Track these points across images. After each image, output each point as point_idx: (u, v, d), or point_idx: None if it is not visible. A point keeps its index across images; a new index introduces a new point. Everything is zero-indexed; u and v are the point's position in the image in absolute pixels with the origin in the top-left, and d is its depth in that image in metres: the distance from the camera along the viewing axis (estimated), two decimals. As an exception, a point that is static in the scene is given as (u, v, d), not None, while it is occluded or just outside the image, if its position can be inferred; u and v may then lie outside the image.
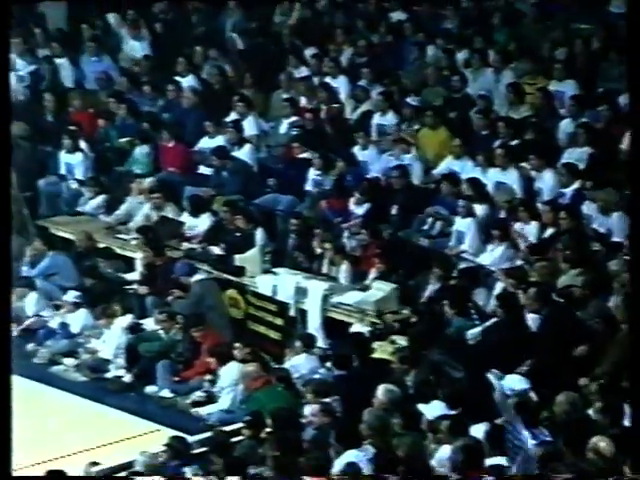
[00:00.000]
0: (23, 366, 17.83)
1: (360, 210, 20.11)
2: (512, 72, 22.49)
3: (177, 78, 24.59)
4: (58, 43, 26.18)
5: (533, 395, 14.41)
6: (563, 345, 15.84)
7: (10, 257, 6.99)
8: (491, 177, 19.86)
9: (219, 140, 22.56)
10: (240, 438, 15.11)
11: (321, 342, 18.26)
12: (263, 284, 19.26)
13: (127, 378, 18.77)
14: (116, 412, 18.04)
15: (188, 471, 14.23)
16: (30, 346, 19.68)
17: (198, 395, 18.01)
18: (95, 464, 14.60)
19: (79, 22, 26.97)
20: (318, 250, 19.69)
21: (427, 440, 13.51)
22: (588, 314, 16.19)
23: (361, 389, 15.13)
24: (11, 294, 7.75)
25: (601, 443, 11.71)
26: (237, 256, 19.86)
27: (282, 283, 19.12)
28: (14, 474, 11.42)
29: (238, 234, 20.31)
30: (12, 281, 6.85)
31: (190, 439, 15.37)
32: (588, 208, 18.55)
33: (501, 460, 11.65)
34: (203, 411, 17.65)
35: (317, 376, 17.13)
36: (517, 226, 18.59)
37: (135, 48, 26.21)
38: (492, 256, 18.42)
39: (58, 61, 25.75)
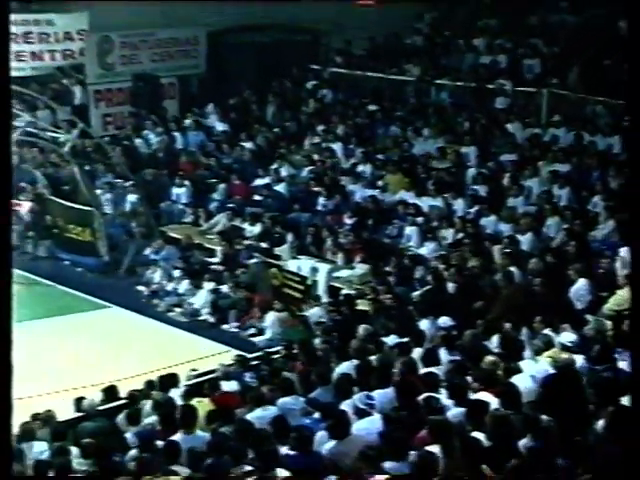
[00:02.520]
0: (151, 313, 21.33)
1: (350, 221, 21.89)
2: (442, 139, 23.89)
3: (242, 143, 26.45)
4: (177, 123, 28.31)
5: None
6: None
7: (10, 257, 5.79)
8: (426, 202, 21.51)
9: (266, 180, 24.50)
10: (277, 356, 16.58)
11: (325, 300, 19.76)
12: (292, 265, 20.85)
13: (211, 320, 20.93)
14: (205, 340, 20.00)
15: (247, 376, 14.96)
16: (155, 301, 21.75)
17: (252, 331, 20.12)
18: (194, 370, 15.83)
19: (186, 111, 28.82)
20: (326, 245, 21.36)
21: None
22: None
23: (350, 327, 16.38)
24: (11, 290, 5.64)
25: None
26: (276, 248, 21.60)
27: (303, 265, 20.71)
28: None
29: (277, 235, 21.99)
30: (11, 281, 5.91)
31: (248, 356, 16.94)
32: (485, 220, 20.13)
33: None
34: (255, 340, 19.71)
35: (323, 320, 18.60)
36: (442, 232, 20.28)
37: (218, 126, 27.95)
38: (427, 249, 20.13)
39: (174, 133, 27.82)
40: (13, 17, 27.88)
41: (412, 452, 10.01)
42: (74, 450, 12.05)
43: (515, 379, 11.88)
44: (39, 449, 12.45)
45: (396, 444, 10.25)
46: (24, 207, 25.46)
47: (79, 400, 14.49)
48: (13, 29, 28.37)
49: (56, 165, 26.12)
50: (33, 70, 29.49)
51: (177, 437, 11.80)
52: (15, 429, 12.82)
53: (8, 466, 5.68)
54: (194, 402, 13.25)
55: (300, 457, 10.61)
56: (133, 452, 11.75)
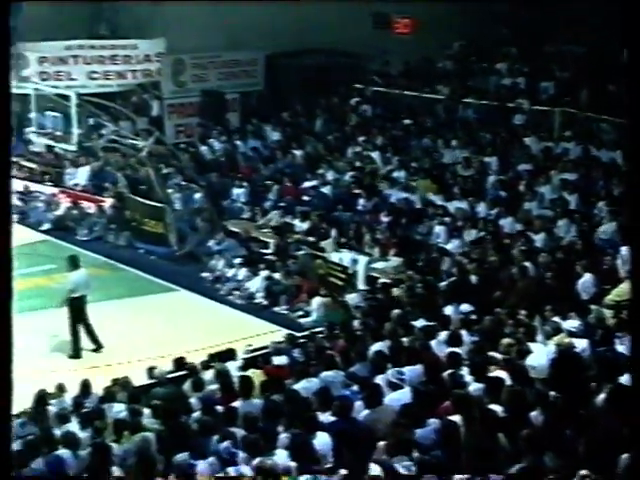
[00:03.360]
0: (213, 296, 21.31)
1: (386, 220, 21.69)
2: (467, 150, 23.76)
3: (293, 150, 26.41)
4: (238, 133, 28.47)
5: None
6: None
7: (10, 256, 5.29)
8: (452, 204, 21.35)
9: (314, 182, 24.50)
10: (321, 335, 16.37)
11: (363, 287, 19.65)
12: (335, 257, 20.68)
13: (265, 302, 20.76)
14: (259, 320, 19.93)
15: (296, 352, 14.96)
16: (217, 285, 21.71)
17: (300, 313, 20.08)
18: (249, 345, 15.91)
19: (246, 123, 28.91)
20: (365, 240, 21.12)
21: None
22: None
23: (385, 311, 15.98)
24: (12, 287, 5.14)
25: None
26: (322, 242, 21.46)
27: (344, 257, 20.52)
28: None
29: (322, 231, 21.92)
30: (12, 279, 5.37)
31: (296, 334, 17.20)
32: (504, 221, 19.96)
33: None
34: (303, 321, 19.63)
35: (361, 305, 18.47)
36: (466, 230, 20.15)
37: (273, 135, 27.98)
38: (452, 245, 19.91)
39: (235, 142, 27.96)
40: (103, 42, 28.35)
41: (436, 420, 9.99)
42: (146, 411, 12.17)
43: (528, 359, 11.81)
44: (118, 409, 12.54)
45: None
46: (107, 203, 25.72)
47: (151, 369, 14.67)
48: (103, 52, 28.78)
49: (135, 168, 26.30)
50: (118, 87, 29.98)
51: (235, 403, 11.85)
52: (100, 392, 13.41)
53: (8, 466, 5.32)
54: (249, 373, 13.26)
55: (340, 422, 10.63)
56: (196, 414, 11.82)
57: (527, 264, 17.34)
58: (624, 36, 5.57)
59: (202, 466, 10.01)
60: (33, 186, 27.42)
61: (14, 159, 28.28)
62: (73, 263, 18.81)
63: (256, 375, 13.15)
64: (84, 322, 18.36)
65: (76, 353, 18.16)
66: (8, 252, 5.32)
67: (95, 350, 18.31)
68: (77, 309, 18.30)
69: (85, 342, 18.36)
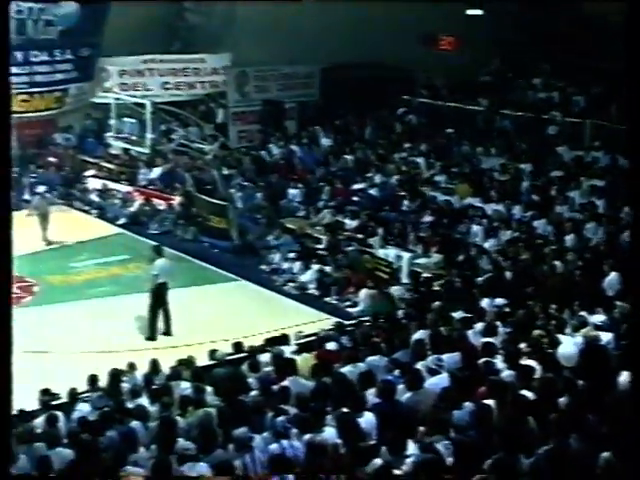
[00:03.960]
0: (270, 286, 21.36)
1: (428, 220, 21.68)
2: (504, 157, 23.90)
3: (345, 155, 26.47)
4: (295, 139, 28.61)
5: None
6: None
7: (10, 256, 4.81)
8: (489, 206, 21.47)
9: (363, 185, 24.56)
10: (368, 324, 16.35)
11: (406, 281, 19.73)
12: (381, 253, 20.73)
13: (317, 293, 20.78)
14: (311, 309, 19.89)
15: (344, 338, 14.71)
16: (274, 277, 21.71)
17: (348, 303, 20.04)
18: (300, 332, 15.74)
19: (303, 130, 29.19)
20: (409, 238, 21.12)
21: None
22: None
23: (426, 303, 16.07)
24: (11, 284, 5.01)
25: None
26: (370, 239, 21.38)
27: (390, 253, 20.59)
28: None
29: (370, 228, 21.79)
30: (11, 278, 4.90)
31: (345, 323, 16.92)
32: (536, 223, 20.06)
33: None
34: (351, 310, 19.53)
35: (404, 297, 18.77)
36: (502, 231, 20.19)
37: (327, 142, 27.86)
38: (489, 244, 19.87)
39: (292, 147, 27.99)
40: (175, 57, 28.61)
41: (471, 404, 9.92)
42: (209, 389, 12.22)
43: (558, 350, 11.71)
44: (183, 387, 12.58)
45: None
46: (176, 201, 25.91)
47: (213, 351, 14.77)
48: (175, 66, 29.08)
49: (201, 169, 26.45)
50: (188, 96, 30.23)
51: (285, 382, 11.88)
52: (167, 370, 13.46)
53: (8, 466, 5.09)
54: (302, 357, 13.30)
55: (384, 404, 10.58)
56: (254, 393, 11.87)
57: (557, 263, 17.28)
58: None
59: (258, 439, 10.00)
60: (111, 184, 27.68)
61: (94, 160, 28.62)
62: (158, 252, 18.96)
63: (307, 359, 13.13)
64: (164, 307, 18.48)
65: (152, 335, 18.29)
66: (8, 252, 4.94)
67: (164, 334, 18.42)
68: (159, 294, 18.41)
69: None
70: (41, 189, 24.25)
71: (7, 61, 4.82)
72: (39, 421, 11.62)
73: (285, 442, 9.89)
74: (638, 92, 5.49)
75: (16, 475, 8.29)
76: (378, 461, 8.76)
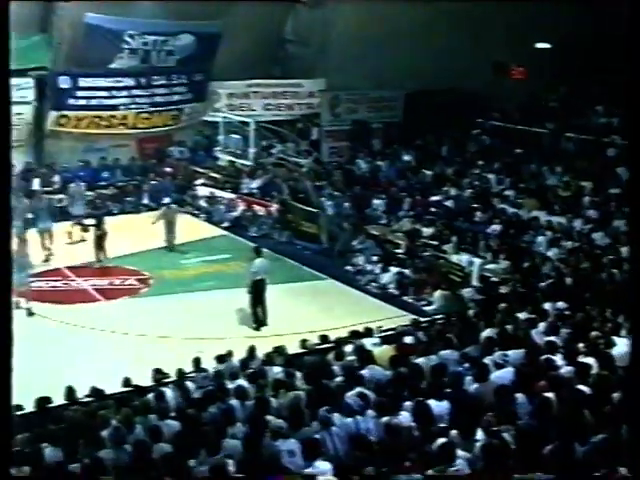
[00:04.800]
0: (354, 285, 21.22)
1: (497, 229, 21.34)
2: (567, 175, 23.34)
3: (424, 170, 26.35)
4: (380, 155, 28.49)
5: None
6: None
7: (10, 256, 4.42)
8: (553, 219, 21.05)
9: (439, 197, 24.23)
10: (441, 321, 16.18)
11: (476, 284, 19.29)
12: (454, 258, 20.42)
13: (396, 293, 20.51)
14: (391, 307, 19.61)
15: (420, 334, 14.38)
16: (358, 277, 21.53)
17: (424, 302, 19.78)
18: (381, 327, 15.32)
19: (387, 147, 29.18)
20: (479, 245, 20.71)
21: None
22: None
23: (494, 304, 15.44)
24: (11, 287, 4.60)
25: None
26: (444, 245, 21.07)
27: (463, 258, 20.31)
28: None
29: (445, 236, 21.45)
30: (11, 278, 4.46)
31: (421, 319, 16.74)
32: (595, 235, 19.64)
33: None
34: (426, 309, 19.30)
35: (475, 298, 18.34)
36: (564, 241, 19.75)
37: (408, 158, 27.76)
38: (552, 253, 19.37)
39: (378, 162, 27.99)
40: (277, 82, 29.00)
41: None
42: (298, 374, 12.19)
43: (613, 350, 11.57)
44: (276, 371, 12.61)
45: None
46: (274, 208, 26.04)
47: (304, 341, 14.69)
48: (276, 89, 29.47)
49: (296, 180, 26.53)
50: (287, 116, 30.39)
51: (364, 371, 11.84)
52: (261, 356, 13.48)
53: (8, 466, 4.71)
54: (382, 349, 13.24)
55: (453, 393, 10.55)
56: (338, 379, 11.79)
57: (614, 271, 16.98)
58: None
59: (336, 417, 10.04)
60: (217, 192, 27.94)
61: (204, 171, 28.93)
62: (257, 252, 18.99)
63: (387, 351, 13.04)
64: (261, 301, 18.50)
65: (253, 325, 18.35)
66: (8, 252, 4.60)
67: (260, 324, 18.42)
68: (258, 290, 18.42)
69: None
70: (167, 200, 24.42)
71: (7, 61, 4.58)
72: (151, 396, 11.76)
73: (360, 418, 9.92)
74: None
75: (16, 475, 7.97)
76: (442, 440, 8.74)
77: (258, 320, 18.43)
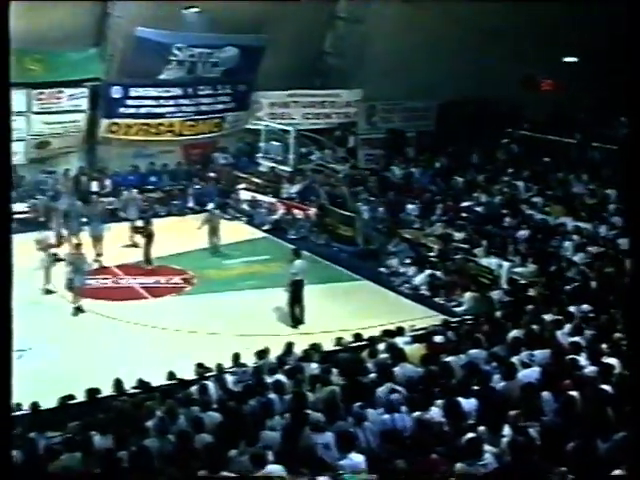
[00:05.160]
0: (388, 286, 21.10)
1: (525, 234, 21.11)
2: (592, 184, 23.37)
3: (455, 177, 26.48)
4: (413, 162, 28.61)
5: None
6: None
7: (10, 257, 4.17)
8: (579, 225, 20.86)
9: (470, 203, 24.08)
10: (471, 322, 15.92)
11: (505, 286, 19.05)
12: (484, 261, 20.18)
13: (428, 294, 20.34)
14: (422, 307, 19.47)
15: (450, 333, 14.16)
16: (392, 278, 21.38)
17: (454, 303, 19.55)
18: (413, 326, 15.15)
19: (420, 154, 29.49)
20: (508, 249, 20.36)
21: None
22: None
23: (521, 306, 15.64)
24: (11, 286, 4.25)
25: None
26: (475, 249, 20.86)
27: (492, 262, 20.02)
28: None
29: (475, 240, 21.23)
30: (12, 283, 4.17)
31: (451, 320, 16.63)
32: (620, 241, 18.99)
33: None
34: (456, 309, 19.07)
35: (503, 300, 18.17)
36: (589, 247, 19.66)
37: (440, 165, 28.05)
38: (578, 257, 19.30)
39: (411, 169, 27.90)
40: (315, 92, 29.24)
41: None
42: (334, 370, 12.17)
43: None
44: (313, 367, 12.62)
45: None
46: (312, 211, 26.06)
47: (339, 339, 14.72)
48: (315, 99, 29.60)
49: (334, 186, 26.55)
50: (325, 124, 30.42)
51: (397, 369, 11.82)
52: (298, 353, 13.47)
53: (8, 466, 4.53)
54: (414, 347, 13.18)
55: (482, 390, 10.51)
56: (372, 375, 11.80)
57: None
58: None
59: (371, 413, 10.02)
60: (258, 196, 28.00)
61: (246, 176, 29.04)
62: (296, 254, 19.05)
63: (418, 349, 13.00)
64: (299, 300, 18.52)
65: (292, 323, 18.36)
66: (8, 252, 4.43)
67: (298, 322, 18.45)
68: (296, 289, 18.46)
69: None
70: (211, 204, 24.53)
71: (7, 61, 4.30)
72: (194, 389, 11.82)
73: (397, 415, 9.89)
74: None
75: (16, 475, 7.95)
76: (471, 435, 8.71)
77: (296, 318, 18.46)
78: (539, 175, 25.19)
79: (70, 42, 25.20)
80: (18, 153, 26.23)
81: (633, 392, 5.58)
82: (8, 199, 4.38)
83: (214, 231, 23.59)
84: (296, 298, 18.50)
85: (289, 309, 18.53)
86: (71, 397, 11.74)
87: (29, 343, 16.57)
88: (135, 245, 23.26)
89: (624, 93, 5.19)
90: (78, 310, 18.58)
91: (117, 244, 23.21)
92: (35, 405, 11.42)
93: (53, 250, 20.63)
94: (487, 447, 8.45)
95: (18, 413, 11.09)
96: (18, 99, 25.12)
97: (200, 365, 13.14)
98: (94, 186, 27.78)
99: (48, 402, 11.55)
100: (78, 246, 19.68)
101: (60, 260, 19.98)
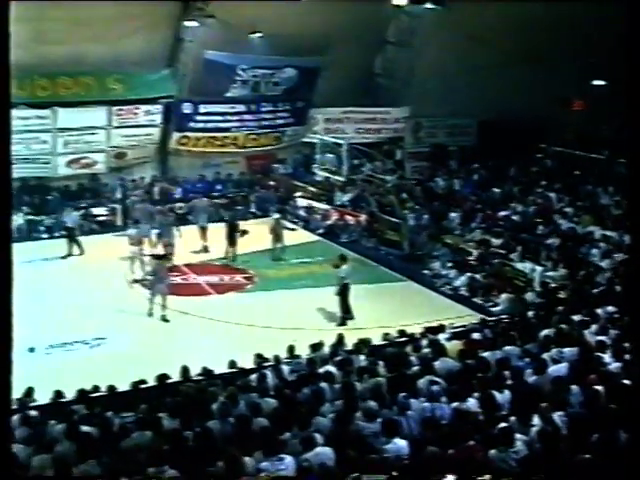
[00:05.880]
0: (431, 287, 20.88)
1: (557, 242, 20.82)
2: (618, 196, 22.85)
3: (493, 189, 26.33)
4: (455, 174, 28.44)
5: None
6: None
7: (10, 256, 3.93)
8: (606, 234, 20.47)
9: (507, 212, 23.76)
10: (506, 321, 15.69)
11: (537, 289, 18.84)
12: (519, 265, 19.95)
13: (466, 294, 19.96)
14: (462, 307, 19.15)
15: (486, 331, 14.04)
16: (435, 279, 21.18)
17: (491, 304, 19.15)
18: (452, 324, 15.01)
19: (462, 166, 29.59)
20: (541, 255, 20.21)
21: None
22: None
23: (552, 307, 15.47)
24: (11, 293, 4.00)
25: None
26: (511, 254, 20.63)
27: (526, 266, 19.83)
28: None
29: (511, 246, 20.98)
30: (12, 285, 3.91)
31: (488, 319, 16.51)
32: None
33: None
34: (493, 309, 18.70)
35: (535, 301, 17.87)
36: (615, 254, 19.14)
37: (478, 177, 29.01)
38: (605, 263, 19.00)
39: (454, 180, 27.80)
40: (367, 109, 28.85)
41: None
42: (380, 363, 12.14)
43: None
44: (361, 359, 12.60)
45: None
46: (362, 218, 26.08)
47: (386, 334, 14.57)
48: (367, 116, 29.79)
49: (382, 195, 26.48)
50: (375, 139, 30.41)
51: (438, 363, 11.79)
52: (348, 346, 13.43)
53: (8, 465, 4.20)
54: (453, 343, 13.13)
55: (515, 385, 10.47)
56: (415, 368, 11.78)
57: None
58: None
59: (414, 402, 9.97)
60: (314, 203, 28.08)
61: (302, 185, 29.12)
62: (343, 259, 18.99)
63: (457, 344, 12.96)
64: (346, 300, 18.44)
65: (341, 321, 18.28)
66: (8, 252, 4.14)
67: (345, 319, 18.36)
68: (344, 291, 18.41)
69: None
70: (276, 215, 24.57)
71: (7, 61, 4.03)
72: (253, 377, 11.84)
73: (436, 405, 9.87)
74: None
75: (16, 475, 7.34)
76: (503, 424, 8.69)
77: (344, 316, 18.40)
78: (570, 187, 24.92)
79: (147, 64, 25.80)
80: (99, 163, 26.99)
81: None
82: (8, 200, 4.17)
83: (278, 238, 23.61)
84: (344, 299, 18.42)
85: (339, 308, 18.43)
86: (143, 382, 11.79)
87: (106, 332, 16.97)
88: (206, 250, 23.45)
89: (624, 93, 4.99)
90: (164, 319, 18.36)
91: (188, 246, 23.27)
92: (111, 388, 11.51)
93: (138, 247, 21.11)
94: (518, 436, 8.39)
95: (96, 394, 11.31)
96: (100, 115, 25.95)
97: (259, 355, 13.15)
98: (164, 192, 28.12)
99: (123, 385, 11.69)
100: (143, 245, 20.39)
101: (145, 256, 20.64)
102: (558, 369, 10.95)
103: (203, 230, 23.99)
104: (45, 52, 23.12)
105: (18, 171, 24.15)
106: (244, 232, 23.13)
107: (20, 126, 23.76)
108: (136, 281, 20.38)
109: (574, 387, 9.90)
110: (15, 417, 10.02)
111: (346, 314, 18.40)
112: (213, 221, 24.52)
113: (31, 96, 24.20)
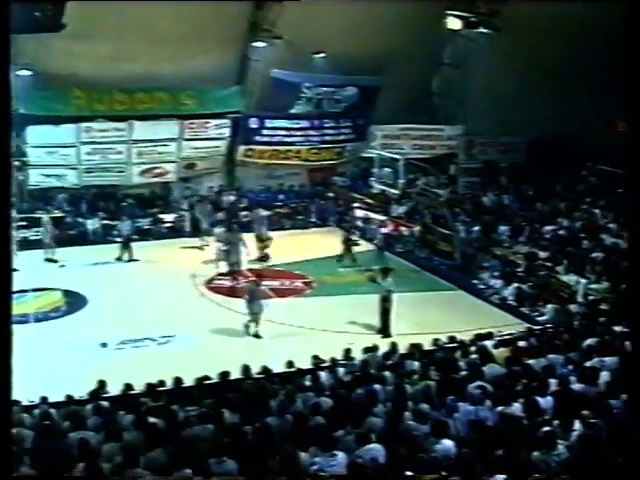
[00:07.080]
0: (481, 296, 20.58)
1: (601, 255, 20.33)
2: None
3: (539, 203, 27.51)
4: (505, 190, 28.28)
5: None
6: None
7: (10, 257, 3.86)
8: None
9: (553, 227, 23.38)
10: (551, 330, 15.36)
11: (581, 300, 18.54)
12: (564, 278, 19.62)
13: (514, 304, 19.78)
14: (509, 315, 18.98)
15: (532, 339, 13.79)
16: (483, 289, 20.89)
17: (537, 313, 18.80)
18: (500, 331, 14.71)
19: (511, 182, 29.44)
20: (586, 268, 19.80)
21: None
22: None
23: (595, 317, 15.37)
24: (11, 296, 3.94)
25: None
26: (556, 267, 20.15)
27: (571, 278, 19.47)
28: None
29: (557, 259, 20.68)
30: (11, 283, 3.80)
31: (534, 327, 16.19)
32: None
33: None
34: (539, 319, 18.39)
35: (581, 311, 17.44)
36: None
37: (526, 192, 28.71)
38: None
39: (502, 195, 27.54)
40: (423, 126, 29.08)
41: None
42: (431, 367, 12.05)
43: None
44: (413, 363, 12.47)
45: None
46: (416, 229, 25.97)
47: (436, 340, 14.34)
48: (422, 133, 29.87)
49: (436, 207, 26.37)
50: (430, 154, 30.26)
51: (485, 368, 11.64)
52: (401, 350, 13.29)
53: (8, 465, 3.96)
54: (500, 350, 13.01)
55: (559, 391, 10.32)
56: (463, 373, 11.68)
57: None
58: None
59: (461, 405, 9.91)
60: (371, 214, 28.02)
61: (360, 197, 29.13)
62: (386, 272, 18.56)
63: (504, 352, 12.82)
64: (387, 312, 18.07)
65: (385, 331, 17.82)
66: (8, 252, 4.00)
67: (381, 332, 17.79)
68: (386, 303, 18.11)
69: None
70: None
71: (7, 60, 3.80)
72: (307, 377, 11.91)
73: (480, 407, 9.80)
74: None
75: (16, 475, 7.12)
76: (546, 428, 8.59)
77: (383, 328, 17.88)
78: (614, 204, 24.42)
79: (217, 81, 26.14)
80: (170, 172, 27.38)
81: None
82: (8, 200, 4.01)
83: (348, 249, 23.58)
84: (386, 310, 18.00)
85: (381, 319, 17.90)
86: (207, 378, 11.82)
87: (174, 331, 17.09)
88: (266, 257, 23.44)
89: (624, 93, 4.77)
90: (256, 336, 17.72)
91: (250, 253, 23.11)
92: (178, 381, 11.66)
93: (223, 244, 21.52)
94: (560, 440, 8.30)
95: (163, 388, 11.38)
96: (172, 128, 26.38)
97: (316, 357, 13.17)
98: (232, 201, 28.32)
99: (188, 381, 11.76)
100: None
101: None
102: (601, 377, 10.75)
103: (260, 239, 23.98)
104: (124, 69, 23.68)
105: (96, 179, 26.11)
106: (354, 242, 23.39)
107: (98, 137, 24.87)
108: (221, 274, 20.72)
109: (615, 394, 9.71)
110: (88, 407, 10.26)
111: (384, 331, 17.77)
112: (274, 229, 24.54)
113: (109, 110, 24.85)
